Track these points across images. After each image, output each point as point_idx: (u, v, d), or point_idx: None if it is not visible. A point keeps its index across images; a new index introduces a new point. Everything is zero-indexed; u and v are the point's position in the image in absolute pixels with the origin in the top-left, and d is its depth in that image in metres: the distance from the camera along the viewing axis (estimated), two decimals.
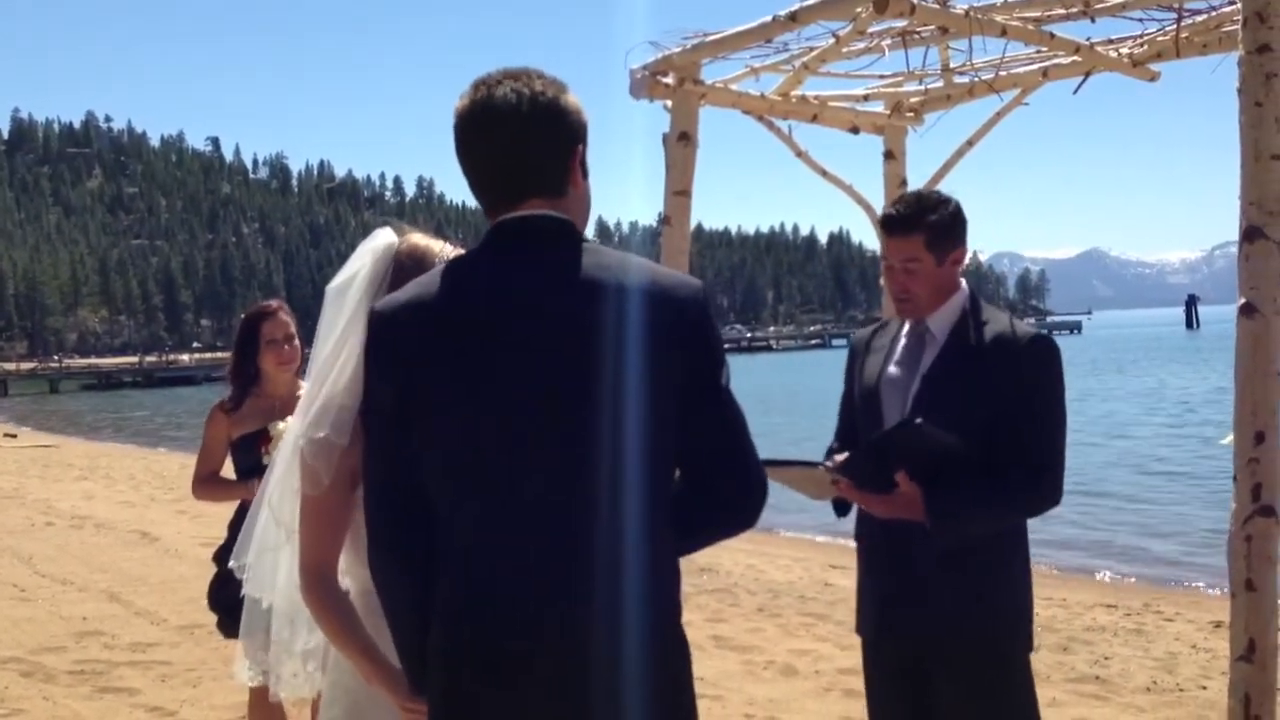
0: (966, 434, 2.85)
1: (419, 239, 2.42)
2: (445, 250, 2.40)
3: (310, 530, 2.27)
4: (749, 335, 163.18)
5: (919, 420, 2.87)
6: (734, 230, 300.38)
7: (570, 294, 1.91)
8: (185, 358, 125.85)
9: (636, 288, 1.91)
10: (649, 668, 1.90)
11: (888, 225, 3.07)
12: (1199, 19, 4.02)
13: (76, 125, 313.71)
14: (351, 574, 2.34)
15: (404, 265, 2.34)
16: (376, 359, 1.99)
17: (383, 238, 2.40)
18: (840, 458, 2.95)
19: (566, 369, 1.88)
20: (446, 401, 1.91)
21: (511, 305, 1.91)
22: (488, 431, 1.89)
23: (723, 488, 1.97)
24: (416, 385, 1.93)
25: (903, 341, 3.13)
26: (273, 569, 2.58)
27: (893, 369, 3.11)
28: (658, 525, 1.91)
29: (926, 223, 3.00)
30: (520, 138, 1.96)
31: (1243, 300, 2.89)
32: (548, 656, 1.87)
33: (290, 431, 2.41)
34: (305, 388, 2.41)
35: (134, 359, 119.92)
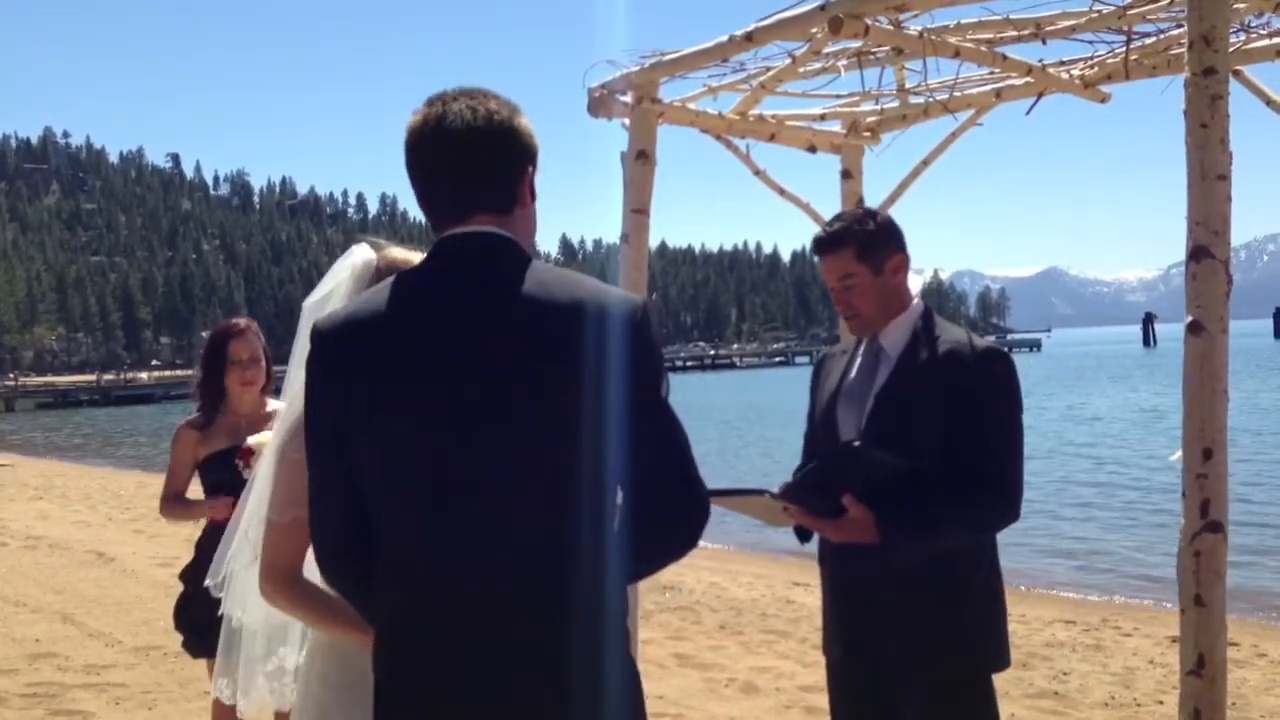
0: (921, 451, 2.86)
1: (398, 253, 2.44)
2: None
3: (284, 541, 2.29)
4: (712, 353, 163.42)
5: (857, 443, 2.88)
6: (697, 248, 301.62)
7: (510, 310, 1.91)
8: (144, 376, 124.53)
9: (574, 304, 1.91)
10: (601, 688, 1.89)
11: (817, 248, 3.12)
12: (1148, 42, 4.08)
13: (34, 141, 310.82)
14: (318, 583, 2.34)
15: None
16: (318, 374, 2.00)
17: (360, 254, 2.43)
18: (784, 483, 2.95)
19: (505, 385, 1.87)
20: (385, 416, 1.91)
21: (451, 321, 1.91)
22: (426, 447, 1.89)
23: (662, 507, 1.94)
24: (356, 400, 1.93)
25: (859, 360, 3.15)
26: (246, 587, 2.58)
27: (848, 388, 3.12)
28: (603, 542, 1.90)
29: (851, 234, 3.04)
30: (472, 155, 1.98)
31: (1190, 319, 2.93)
32: (494, 676, 1.86)
33: (268, 449, 2.42)
34: (284, 404, 2.41)
35: (92, 377, 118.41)
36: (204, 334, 4.71)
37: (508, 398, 1.87)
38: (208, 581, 2.88)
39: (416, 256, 2.42)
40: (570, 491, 1.87)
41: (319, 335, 2.00)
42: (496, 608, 1.87)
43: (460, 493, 1.88)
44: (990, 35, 4.09)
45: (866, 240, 3.04)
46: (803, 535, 3.18)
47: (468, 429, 1.87)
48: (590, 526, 1.89)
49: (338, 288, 2.39)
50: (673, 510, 1.95)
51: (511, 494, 1.87)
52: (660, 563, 2.04)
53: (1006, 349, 3.29)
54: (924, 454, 2.86)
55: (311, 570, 2.36)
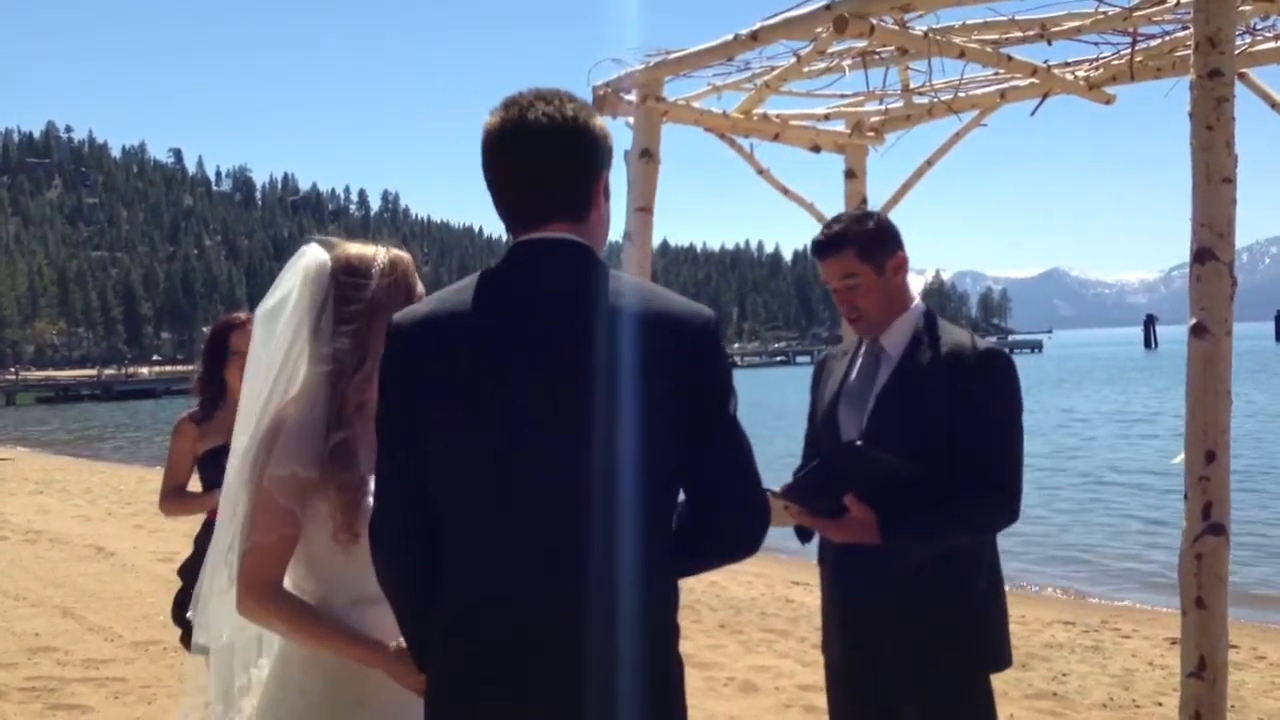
0: (922, 451, 2.85)
1: (353, 249, 2.40)
2: (379, 255, 2.39)
3: (266, 557, 2.24)
4: None
5: (859, 443, 2.88)
6: (699, 247, 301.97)
7: (583, 318, 1.93)
8: (145, 371, 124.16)
9: (648, 315, 1.93)
10: (644, 681, 1.91)
11: (817, 250, 3.11)
12: (1153, 43, 4.08)
13: (36, 135, 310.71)
14: (303, 590, 2.31)
15: (344, 283, 2.32)
16: (392, 372, 2.00)
17: (311, 256, 2.36)
18: (785, 483, 2.94)
19: (575, 390, 1.89)
20: (457, 415, 1.93)
21: (524, 326, 1.93)
22: (495, 446, 1.91)
23: (725, 516, 1.99)
24: (429, 398, 1.94)
25: (859, 361, 3.14)
26: (219, 612, 2.45)
27: (849, 389, 3.12)
28: (657, 545, 1.94)
29: (851, 235, 3.05)
30: (550, 161, 1.98)
31: (1194, 321, 2.93)
32: (545, 665, 1.89)
33: (233, 466, 2.36)
34: (243, 417, 2.35)
35: (92, 372, 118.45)
36: (205, 329, 4.72)
37: (575, 403, 1.89)
38: (190, 614, 2.69)
39: (370, 249, 2.40)
40: (634, 493, 1.89)
41: (396, 332, 2.01)
42: (562, 607, 1.89)
43: (528, 491, 1.90)
44: (995, 36, 4.09)
45: (867, 240, 3.04)
46: (803, 535, 3.17)
47: (531, 433, 1.89)
48: (646, 532, 1.91)
49: (290, 294, 2.33)
50: (738, 519, 2.00)
51: (572, 498, 1.89)
52: (718, 565, 2.09)
53: (1008, 350, 3.29)
54: (925, 454, 2.86)
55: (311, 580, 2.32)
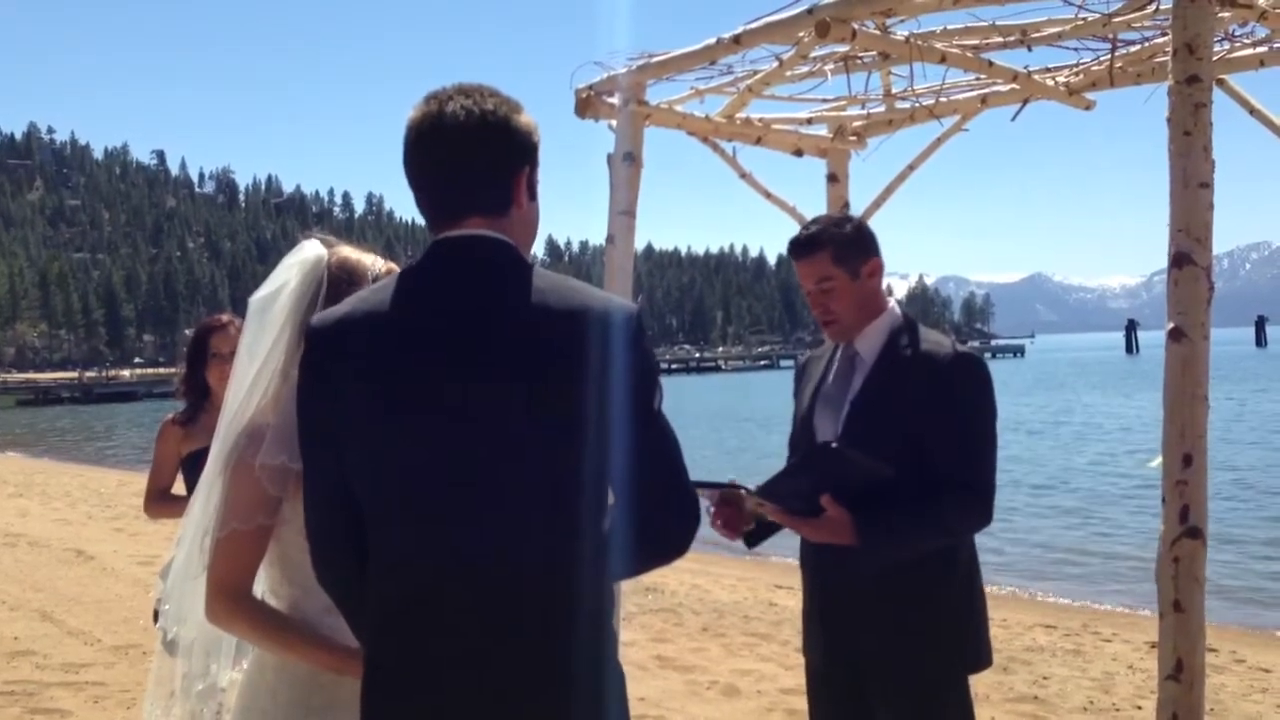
0: (896, 454, 2.86)
1: (349, 252, 2.39)
2: (377, 264, 2.38)
3: (238, 556, 2.21)
4: (698, 355, 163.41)
5: (834, 444, 2.89)
6: (683, 250, 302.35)
7: (501, 315, 1.90)
8: (126, 373, 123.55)
9: (567, 310, 1.89)
10: (581, 687, 1.89)
11: (793, 250, 3.12)
12: (1132, 49, 4.10)
13: (18, 136, 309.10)
14: (278, 594, 2.30)
15: (337, 279, 2.31)
16: (312, 374, 1.97)
17: (310, 250, 2.35)
18: (761, 483, 2.94)
19: (496, 389, 1.86)
20: (378, 418, 1.90)
21: (443, 324, 1.90)
22: (416, 449, 1.88)
23: (653, 514, 1.93)
24: (349, 402, 1.91)
25: (835, 365, 3.16)
26: (187, 599, 2.43)
27: (825, 392, 3.14)
28: (592, 548, 1.90)
29: (829, 238, 3.06)
30: (464, 155, 1.95)
31: (1171, 325, 2.94)
32: (475, 669, 1.86)
33: (212, 453, 2.35)
34: (229, 405, 2.35)
35: (73, 374, 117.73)
36: (187, 332, 4.70)
37: (499, 403, 1.86)
38: (156, 595, 2.69)
39: (369, 258, 2.39)
40: (561, 496, 1.86)
41: (314, 335, 1.98)
42: (487, 609, 1.86)
43: (451, 496, 1.87)
44: (976, 41, 4.10)
45: (843, 243, 3.06)
46: (751, 540, 3.16)
47: (458, 434, 1.86)
48: (584, 530, 1.88)
49: (286, 284, 2.32)
50: (665, 517, 1.95)
51: (501, 498, 1.86)
52: (648, 567, 2.04)
53: (989, 355, 3.30)
54: (899, 458, 2.87)
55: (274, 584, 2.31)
